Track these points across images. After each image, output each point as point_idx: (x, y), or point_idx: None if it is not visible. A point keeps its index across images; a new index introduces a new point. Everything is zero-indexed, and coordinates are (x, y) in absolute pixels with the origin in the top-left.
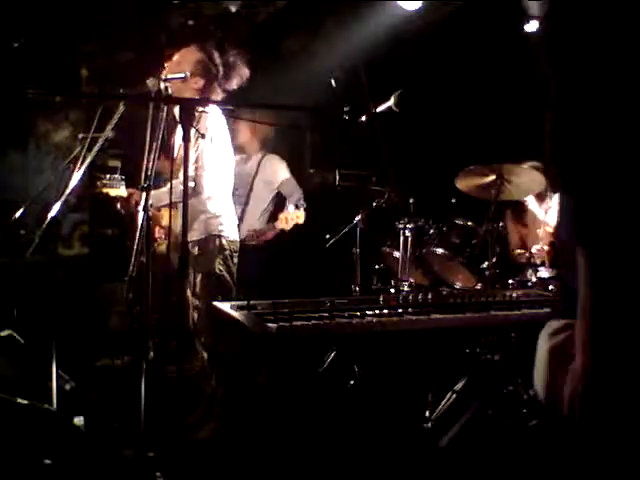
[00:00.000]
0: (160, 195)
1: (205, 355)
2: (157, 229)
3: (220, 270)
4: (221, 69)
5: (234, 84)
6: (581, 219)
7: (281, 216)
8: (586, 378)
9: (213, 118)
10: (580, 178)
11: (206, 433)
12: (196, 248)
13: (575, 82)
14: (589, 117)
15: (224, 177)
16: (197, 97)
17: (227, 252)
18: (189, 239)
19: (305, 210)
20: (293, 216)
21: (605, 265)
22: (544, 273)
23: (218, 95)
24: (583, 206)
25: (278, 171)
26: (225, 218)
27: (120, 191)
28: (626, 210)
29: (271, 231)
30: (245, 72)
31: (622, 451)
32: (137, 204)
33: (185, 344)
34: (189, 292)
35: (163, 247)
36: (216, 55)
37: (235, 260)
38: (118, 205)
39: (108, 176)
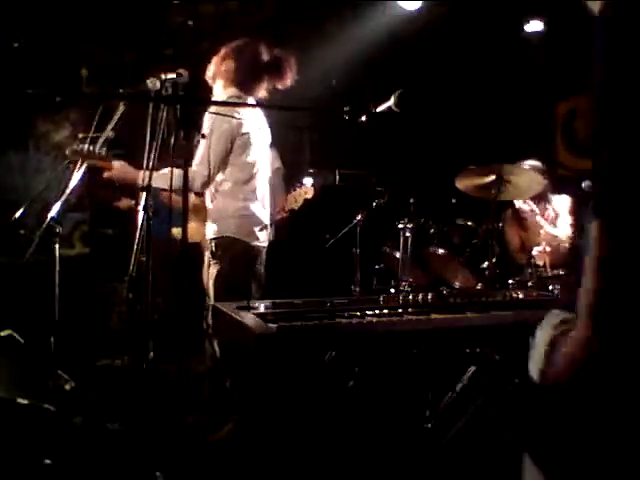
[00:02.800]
0: (157, 178)
1: (218, 356)
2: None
3: (233, 275)
4: (266, 58)
5: (286, 81)
6: (603, 193)
7: (289, 196)
8: (587, 347)
9: (247, 120)
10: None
11: (223, 434)
12: (212, 244)
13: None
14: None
15: (256, 180)
16: (232, 87)
17: (243, 258)
18: (207, 237)
19: (306, 201)
20: (301, 192)
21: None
22: (544, 274)
23: (262, 89)
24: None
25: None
26: (251, 223)
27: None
28: None
29: (279, 214)
30: (293, 68)
31: (616, 423)
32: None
33: (191, 343)
34: (211, 292)
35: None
36: (262, 49)
37: (257, 266)
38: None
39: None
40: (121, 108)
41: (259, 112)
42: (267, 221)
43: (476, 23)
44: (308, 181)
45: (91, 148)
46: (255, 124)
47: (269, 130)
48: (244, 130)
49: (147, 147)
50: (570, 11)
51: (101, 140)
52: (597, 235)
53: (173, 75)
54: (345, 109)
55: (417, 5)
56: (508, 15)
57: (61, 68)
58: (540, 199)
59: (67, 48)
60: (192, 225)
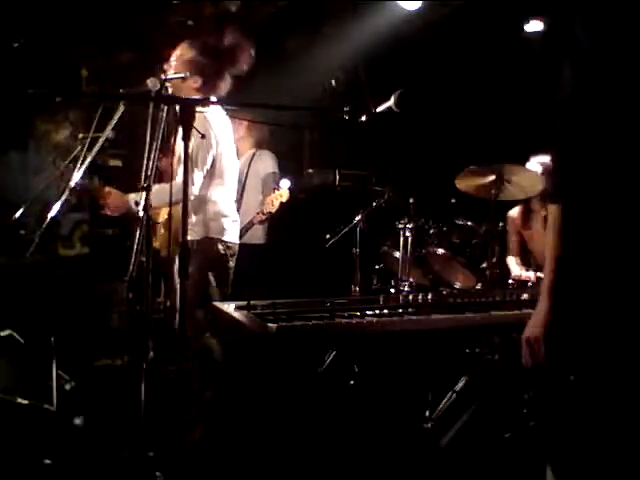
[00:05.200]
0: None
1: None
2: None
3: (209, 275)
4: (220, 56)
5: (243, 65)
6: (562, 178)
7: (267, 199)
8: (547, 322)
9: (213, 117)
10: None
11: (197, 434)
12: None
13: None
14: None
15: (226, 178)
16: (199, 95)
17: (222, 257)
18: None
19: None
20: (277, 196)
21: (574, 219)
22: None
23: (225, 86)
24: (565, 168)
25: (266, 165)
26: (226, 221)
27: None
28: (598, 175)
29: (257, 217)
30: (250, 50)
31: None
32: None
33: (181, 345)
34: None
35: (157, 245)
36: (210, 45)
37: (230, 264)
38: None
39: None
40: (121, 108)
41: (220, 109)
42: (238, 218)
43: (476, 23)
44: (285, 184)
45: (83, 180)
46: (220, 121)
47: (231, 127)
48: (214, 128)
49: (147, 147)
50: (570, 11)
51: (101, 140)
52: (556, 216)
53: (177, 75)
54: (345, 109)
55: (417, 5)
56: (508, 15)
57: (61, 68)
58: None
59: (67, 48)
60: (166, 235)
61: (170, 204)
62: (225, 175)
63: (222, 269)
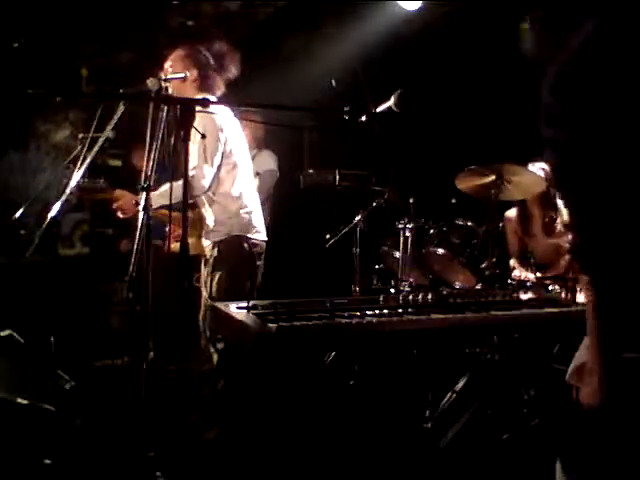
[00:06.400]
0: (156, 198)
1: (215, 357)
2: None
3: (239, 273)
4: (211, 59)
5: (232, 71)
6: (588, 252)
7: None
8: (600, 399)
9: (222, 118)
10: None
11: (213, 434)
12: (216, 249)
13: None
14: (596, 157)
15: (245, 176)
16: (200, 93)
17: (250, 254)
18: (211, 239)
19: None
20: None
21: (609, 293)
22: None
23: (220, 85)
24: (590, 241)
25: (265, 163)
26: (252, 218)
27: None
28: (628, 244)
29: None
30: (236, 57)
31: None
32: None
33: (188, 343)
34: (205, 293)
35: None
36: (203, 48)
37: (259, 263)
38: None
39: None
40: (121, 108)
41: (228, 110)
42: (261, 214)
43: (476, 23)
44: None
45: (91, 182)
46: (229, 120)
47: (240, 126)
48: (226, 127)
49: (147, 147)
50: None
51: (101, 140)
52: (587, 284)
53: (177, 75)
54: (345, 109)
55: (417, 5)
56: (508, 15)
57: (61, 68)
58: (548, 204)
59: (67, 48)
60: (190, 240)
61: (185, 197)
62: (244, 171)
63: (249, 269)
